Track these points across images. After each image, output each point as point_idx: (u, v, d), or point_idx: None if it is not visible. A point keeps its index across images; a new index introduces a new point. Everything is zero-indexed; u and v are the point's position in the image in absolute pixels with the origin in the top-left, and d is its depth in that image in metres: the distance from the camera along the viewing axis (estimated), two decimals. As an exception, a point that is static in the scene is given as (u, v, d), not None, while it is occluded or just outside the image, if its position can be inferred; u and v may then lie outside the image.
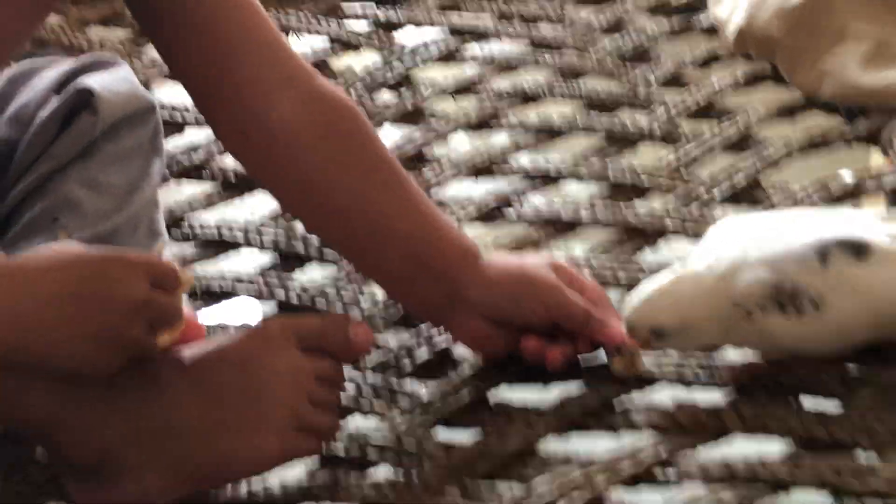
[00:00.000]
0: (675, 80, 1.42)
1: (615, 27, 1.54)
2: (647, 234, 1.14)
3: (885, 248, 0.90)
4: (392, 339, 1.03)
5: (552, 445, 0.90)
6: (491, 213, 1.19)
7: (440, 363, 1.00)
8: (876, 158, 1.29)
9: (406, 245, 0.94)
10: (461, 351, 1.00)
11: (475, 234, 1.13)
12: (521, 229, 1.17)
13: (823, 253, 0.89)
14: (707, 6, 1.51)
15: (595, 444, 0.90)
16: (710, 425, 0.89)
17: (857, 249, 0.89)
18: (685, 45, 1.50)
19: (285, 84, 0.93)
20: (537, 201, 1.20)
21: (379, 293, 1.07)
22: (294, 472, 0.87)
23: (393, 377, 0.98)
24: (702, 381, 0.95)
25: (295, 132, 0.94)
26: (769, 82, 1.41)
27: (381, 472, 0.88)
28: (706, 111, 1.35)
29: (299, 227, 1.14)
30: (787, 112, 1.35)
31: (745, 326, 0.90)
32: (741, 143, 1.28)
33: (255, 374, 0.81)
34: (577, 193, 1.23)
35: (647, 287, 0.92)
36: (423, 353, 1.01)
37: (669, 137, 1.29)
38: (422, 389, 0.96)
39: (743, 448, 0.88)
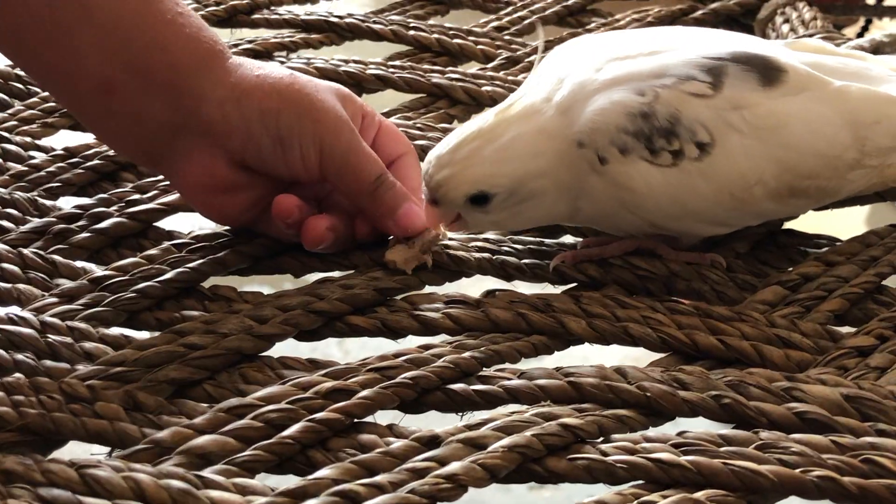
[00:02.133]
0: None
1: None
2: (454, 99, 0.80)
3: (803, 72, 0.59)
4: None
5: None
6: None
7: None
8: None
9: (110, 35, 0.56)
10: (186, 220, 0.65)
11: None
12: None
13: (716, 72, 0.57)
14: None
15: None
16: (546, 328, 0.56)
17: (765, 71, 0.58)
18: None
19: None
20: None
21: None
22: None
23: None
24: (530, 272, 0.62)
25: None
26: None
27: None
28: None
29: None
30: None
31: (594, 184, 0.57)
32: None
33: None
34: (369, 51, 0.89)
35: (460, 132, 0.58)
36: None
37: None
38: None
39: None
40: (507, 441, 0.47)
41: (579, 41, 0.62)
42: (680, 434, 0.48)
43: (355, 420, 0.50)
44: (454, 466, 0.45)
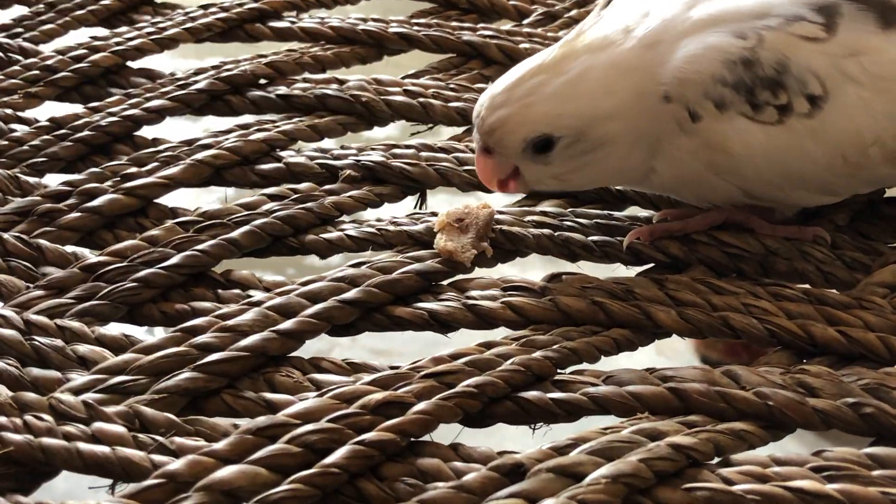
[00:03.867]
0: None
1: None
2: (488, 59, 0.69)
3: (928, 13, 0.48)
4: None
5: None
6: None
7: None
8: None
9: None
10: (190, 196, 0.54)
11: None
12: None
13: (829, 12, 0.46)
14: None
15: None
16: (628, 319, 0.46)
17: (884, 11, 0.47)
18: None
19: None
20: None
21: None
22: None
23: None
24: (599, 251, 0.51)
25: None
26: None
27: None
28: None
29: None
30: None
31: (681, 145, 0.47)
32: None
33: None
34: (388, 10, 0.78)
35: (519, 68, 0.48)
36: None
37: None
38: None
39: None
40: (608, 469, 0.36)
41: None
42: (817, 454, 0.38)
43: (411, 440, 0.40)
44: (548, 506, 0.35)
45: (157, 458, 0.39)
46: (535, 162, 0.47)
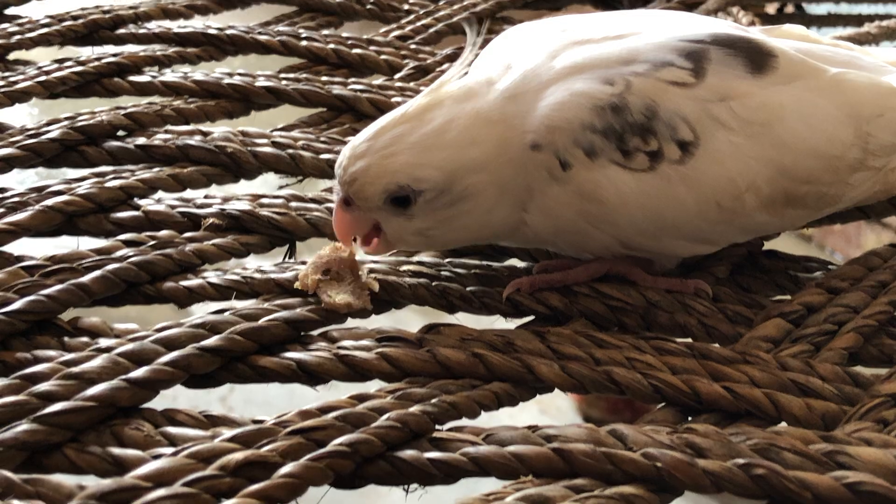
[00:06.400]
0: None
1: None
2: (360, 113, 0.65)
3: (795, 58, 0.46)
4: None
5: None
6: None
7: None
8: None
9: None
10: (41, 244, 0.49)
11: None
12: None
13: (697, 57, 0.44)
14: None
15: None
16: (510, 372, 0.42)
17: (753, 55, 0.45)
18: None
19: None
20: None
21: None
22: None
23: None
24: (478, 302, 0.48)
25: None
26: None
27: None
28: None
29: None
30: None
31: (554, 195, 0.44)
32: None
33: None
34: (254, 67, 0.74)
35: (382, 119, 0.44)
36: None
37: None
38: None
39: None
40: (494, 540, 0.32)
41: (532, 24, 0.49)
42: (712, 519, 0.35)
43: (277, 506, 0.35)
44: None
45: (-16, 528, 0.33)
46: (397, 216, 0.44)
